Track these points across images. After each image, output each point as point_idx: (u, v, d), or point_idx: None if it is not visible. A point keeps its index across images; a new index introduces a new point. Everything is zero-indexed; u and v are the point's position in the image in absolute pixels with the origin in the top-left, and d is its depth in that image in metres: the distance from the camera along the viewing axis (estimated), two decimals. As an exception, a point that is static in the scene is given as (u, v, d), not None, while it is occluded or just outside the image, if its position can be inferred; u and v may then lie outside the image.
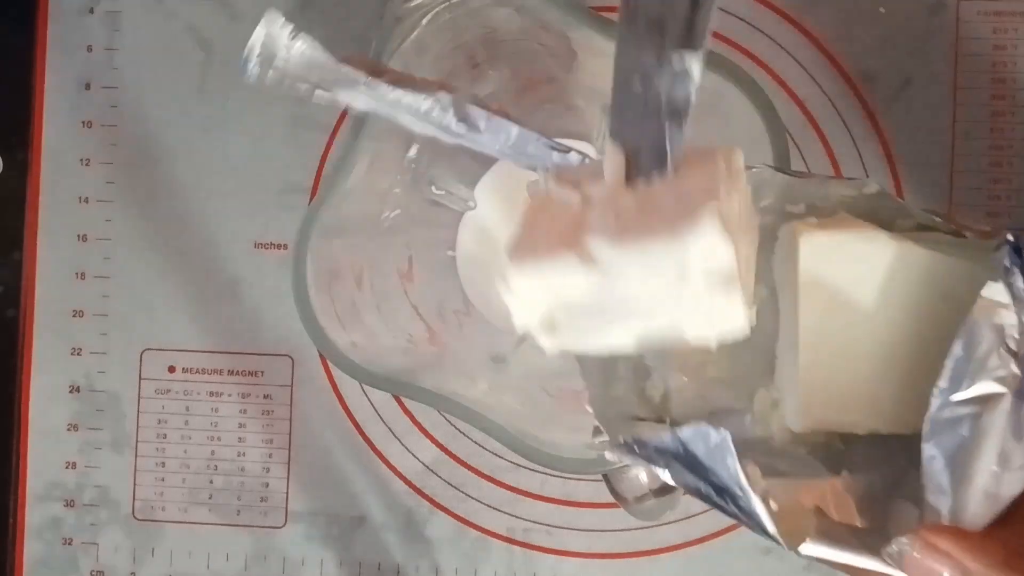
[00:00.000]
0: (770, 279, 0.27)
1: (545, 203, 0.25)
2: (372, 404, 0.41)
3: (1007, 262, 0.22)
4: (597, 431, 0.26)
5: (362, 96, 0.28)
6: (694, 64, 0.23)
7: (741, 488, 0.23)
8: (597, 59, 0.32)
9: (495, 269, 0.26)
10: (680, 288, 0.23)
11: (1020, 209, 0.39)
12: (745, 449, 0.23)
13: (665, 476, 0.24)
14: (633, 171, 0.24)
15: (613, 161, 0.25)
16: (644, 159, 0.24)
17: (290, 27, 0.27)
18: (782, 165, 0.29)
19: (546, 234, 0.24)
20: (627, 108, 0.24)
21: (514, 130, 0.28)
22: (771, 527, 0.23)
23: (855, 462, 0.25)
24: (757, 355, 0.26)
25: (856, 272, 0.24)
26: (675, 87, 0.24)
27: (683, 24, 0.23)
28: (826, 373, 0.25)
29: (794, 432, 0.26)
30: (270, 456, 0.41)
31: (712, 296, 0.23)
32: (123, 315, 0.42)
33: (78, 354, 0.42)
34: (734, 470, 0.23)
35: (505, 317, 0.38)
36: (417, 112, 0.27)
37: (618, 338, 0.25)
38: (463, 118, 0.27)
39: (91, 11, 0.42)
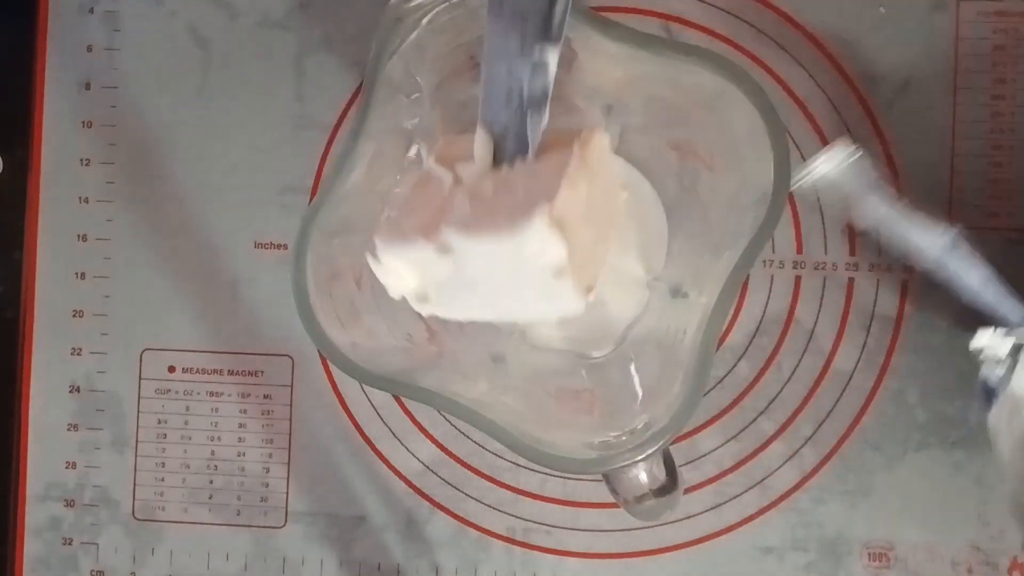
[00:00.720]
0: None
1: (426, 180, 0.28)
2: (372, 404, 0.41)
3: None
4: None
5: (876, 216, 0.32)
6: (551, 56, 0.26)
7: None
8: (597, 59, 0.32)
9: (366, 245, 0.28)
10: (520, 274, 0.26)
11: (1020, 209, 0.39)
12: None
13: None
14: (499, 154, 0.27)
15: (481, 144, 0.27)
16: (508, 144, 0.27)
17: (855, 149, 0.32)
18: (781, 164, 0.29)
19: (418, 212, 0.26)
20: (493, 95, 0.26)
21: (988, 280, 0.32)
22: None
23: None
24: None
25: None
26: (534, 78, 0.26)
27: (543, 18, 0.25)
28: None
29: None
30: (270, 456, 0.41)
31: (547, 283, 0.26)
32: (123, 315, 0.42)
33: (78, 354, 0.42)
34: None
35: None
36: (919, 241, 0.32)
37: (479, 310, 0.28)
38: (957, 258, 0.32)
39: (91, 11, 0.42)
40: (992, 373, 0.32)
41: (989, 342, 0.31)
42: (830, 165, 0.32)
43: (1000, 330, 0.31)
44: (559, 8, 0.25)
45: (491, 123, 0.27)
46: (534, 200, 0.25)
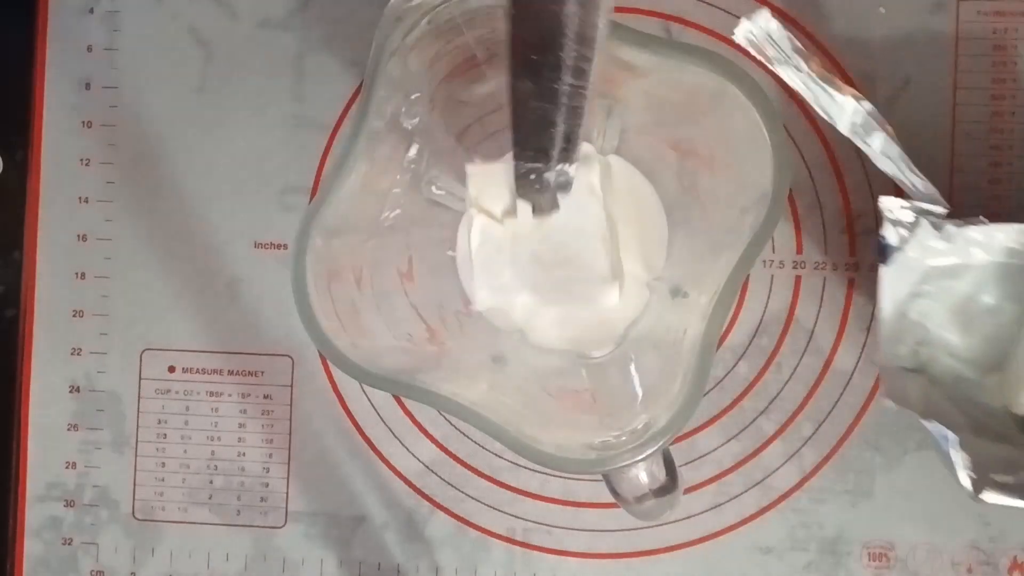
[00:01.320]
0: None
1: (487, 237, 0.36)
2: (372, 404, 0.41)
3: None
4: None
5: (795, 78, 0.35)
6: (570, 169, 0.31)
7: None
8: (597, 58, 0.32)
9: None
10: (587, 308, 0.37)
11: (1020, 210, 0.39)
12: (977, 412, 0.35)
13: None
14: (537, 211, 0.34)
15: (524, 211, 0.35)
16: (544, 207, 0.34)
17: (772, 16, 0.35)
18: (781, 164, 0.29)
19: (494, 271, 0.36)
20: (525, 187, 0.32)
21: (895, 152, 0.35)
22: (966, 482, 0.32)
23: None
24: (998, 350, 0.36)
25: None
26: (559, 178, 0.31)
27: (560, 150, 0.29)
28: None
29: (1013, 412, 0.35)
30: (270, 456, 0.41)
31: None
32: (123, 315, 0.42)
33: (78, 354, 0.42)
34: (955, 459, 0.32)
35: (505, 317, 0.38)
36: (830, 104, 0.35)
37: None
38: (863, 127, 0.35)
39: (91, 11, 0.42)
40: (890, 233, 0.34)
41: (892, 206, 0.34)
42: (746, 31, 0.34)
43: (903, 200, 0.34)
44: (572, 144, 0.29)
45: (528, 198, 0.34)
46: (587, 248, 0.35)
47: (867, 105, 0.35)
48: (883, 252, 0.35)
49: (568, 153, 0.30)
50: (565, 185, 0.32)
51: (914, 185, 0.35)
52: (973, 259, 0.35)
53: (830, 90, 0.34)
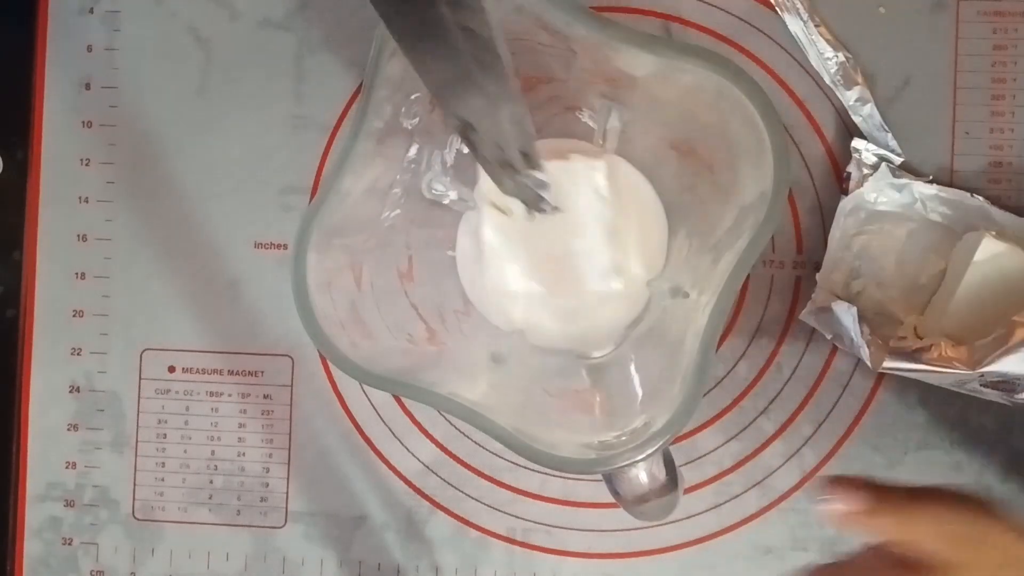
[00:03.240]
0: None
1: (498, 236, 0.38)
2: (372, 404, 0.41)
3: None
4: None
5: (796, 25, 0.39)
6: (540, 173, 0.33)
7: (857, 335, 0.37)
8: (597, 59, 0.32)
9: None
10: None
11: (1020, 210, 0.39)
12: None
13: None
14: (531, 208, 0.35)
15: (518, 205, 0.36)
16: (533, 203, 0.35)
17: None
18: (781, 164, 0.29)
19: (517, 261, 0.37)
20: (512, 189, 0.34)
21: (868, 104, 0.39)
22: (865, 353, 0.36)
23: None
24: (921, 296, 0.39)
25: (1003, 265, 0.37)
26: (533, 182, 0.33)
27: (521, 159, 0.31)
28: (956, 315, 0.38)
29: (920, 335, 0.38)
30: (270, 456, 0.41)
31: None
32: (123, 315, 0.42)
33: (78, 354, 0.42)
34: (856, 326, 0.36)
35: (505, 317, 0.38)
36: (819, 54, 0.39)
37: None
38: (843, 79, 0.39)
39: (91, 11, 0.42)
40: (855, 170, 0.38)
41: (861, 147, 0.39)
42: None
43: (872, 144, 0.39)
44: (532, 153, 0.31)
45: (517, 196, 0.35)
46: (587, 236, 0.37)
47: (851, 61, 0.39)
48: (846, 184, 0.38)
49: (530, 157, 0.31)
50: (543, 185, 0.33)
51: (880, 137, 0.38)
52: (914, 212, 0.38)
53: (821, 41, 0.39)
